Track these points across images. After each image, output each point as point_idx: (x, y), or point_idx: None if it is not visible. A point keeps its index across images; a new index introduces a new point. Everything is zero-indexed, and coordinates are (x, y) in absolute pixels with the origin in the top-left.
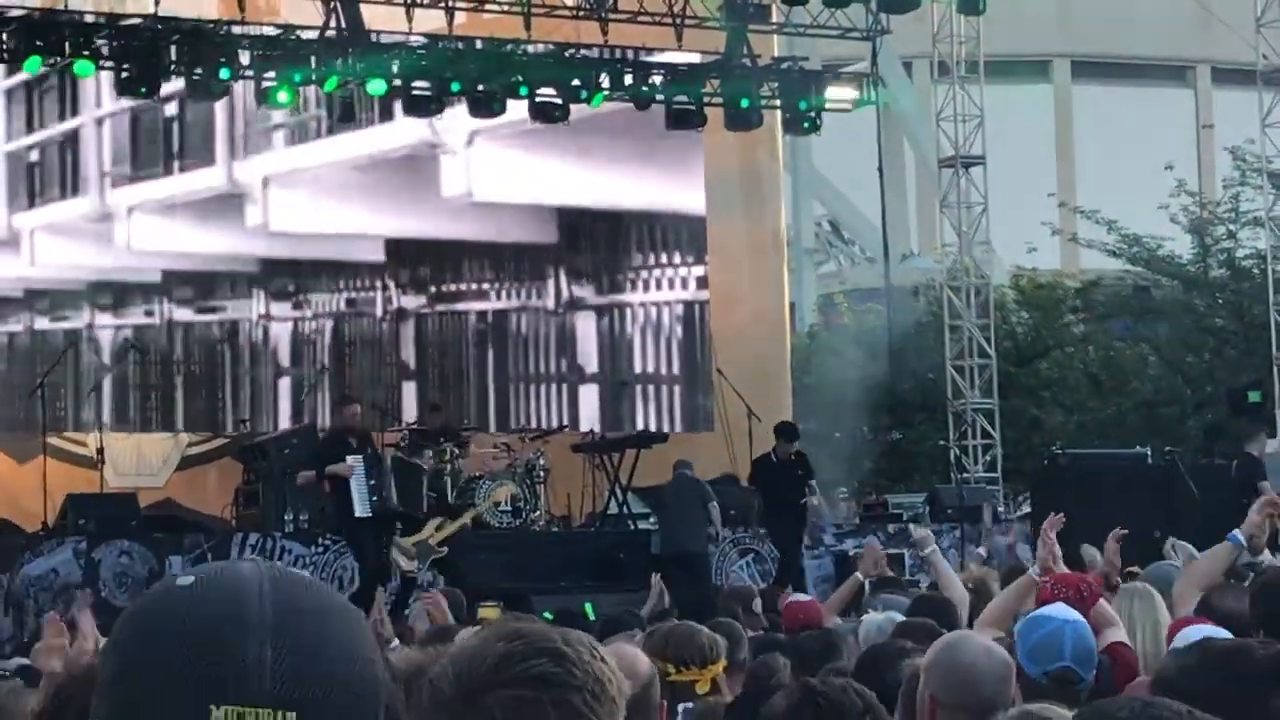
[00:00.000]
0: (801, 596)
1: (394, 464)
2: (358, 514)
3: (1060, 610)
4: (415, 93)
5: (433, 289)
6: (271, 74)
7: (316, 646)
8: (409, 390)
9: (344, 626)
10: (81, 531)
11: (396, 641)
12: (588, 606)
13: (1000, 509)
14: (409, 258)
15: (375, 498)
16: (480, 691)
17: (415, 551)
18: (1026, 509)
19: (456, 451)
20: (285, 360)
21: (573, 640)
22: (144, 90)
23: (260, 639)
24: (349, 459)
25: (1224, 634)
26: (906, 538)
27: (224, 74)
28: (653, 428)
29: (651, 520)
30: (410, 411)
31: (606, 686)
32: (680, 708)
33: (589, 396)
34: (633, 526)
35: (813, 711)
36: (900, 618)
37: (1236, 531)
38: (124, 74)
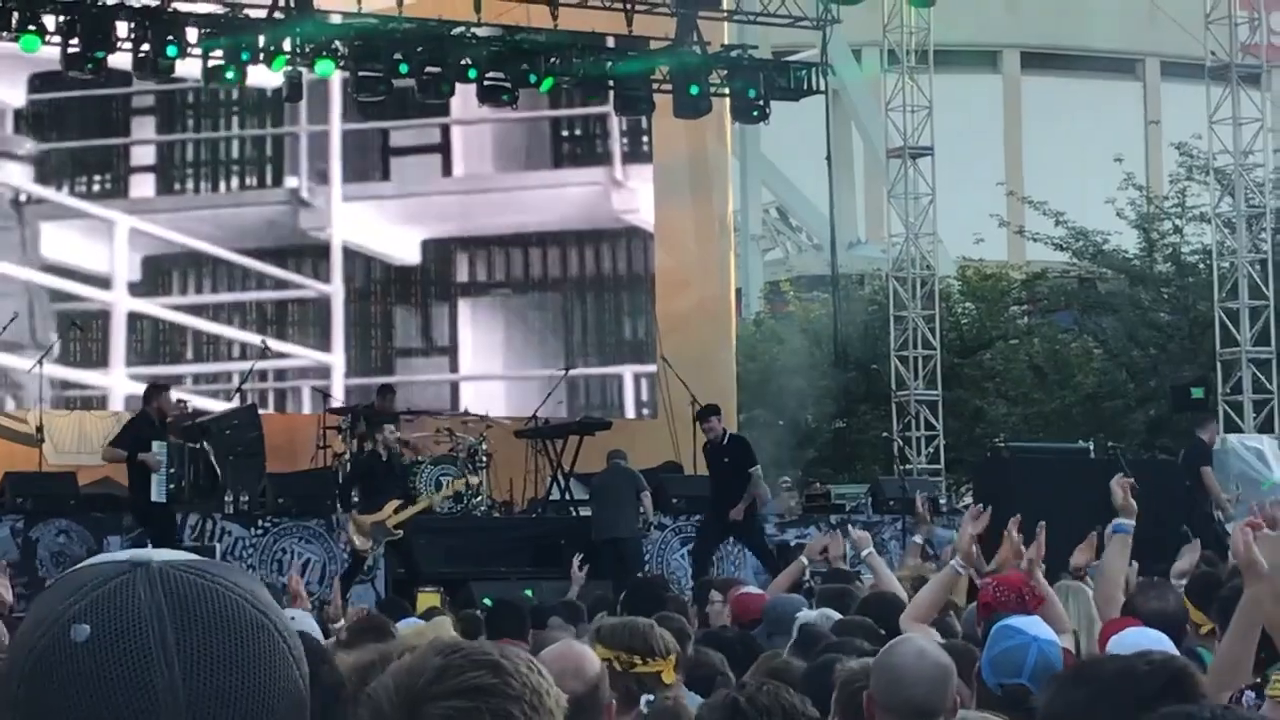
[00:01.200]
0: (751, 588)
1: (191, 452)
2: (153, 498)
3: (1033, 625)
4: (364, 74)
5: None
6: (219, 52)
7: (229, 671)
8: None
9: (257, 644)
10: (19, 510)
11: (342, 621)
12: (528, 593)
13: (942, 500)
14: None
15: (175, 486)
16: (419, 704)
17: (371, 530)
18: (969, 500)
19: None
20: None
21: (509, 654)
22: (91, 66)
23: (170, 681)
24: (155, 446)
25: (1155, 635)
26: (847, 530)
27: (171, 51)
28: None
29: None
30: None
31: (544, 698)
32: (643, 699)
33: (532, 382)
34: (574, 513)
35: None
36: (833, 614)
37: (1121, 520)
38: (70, 49)
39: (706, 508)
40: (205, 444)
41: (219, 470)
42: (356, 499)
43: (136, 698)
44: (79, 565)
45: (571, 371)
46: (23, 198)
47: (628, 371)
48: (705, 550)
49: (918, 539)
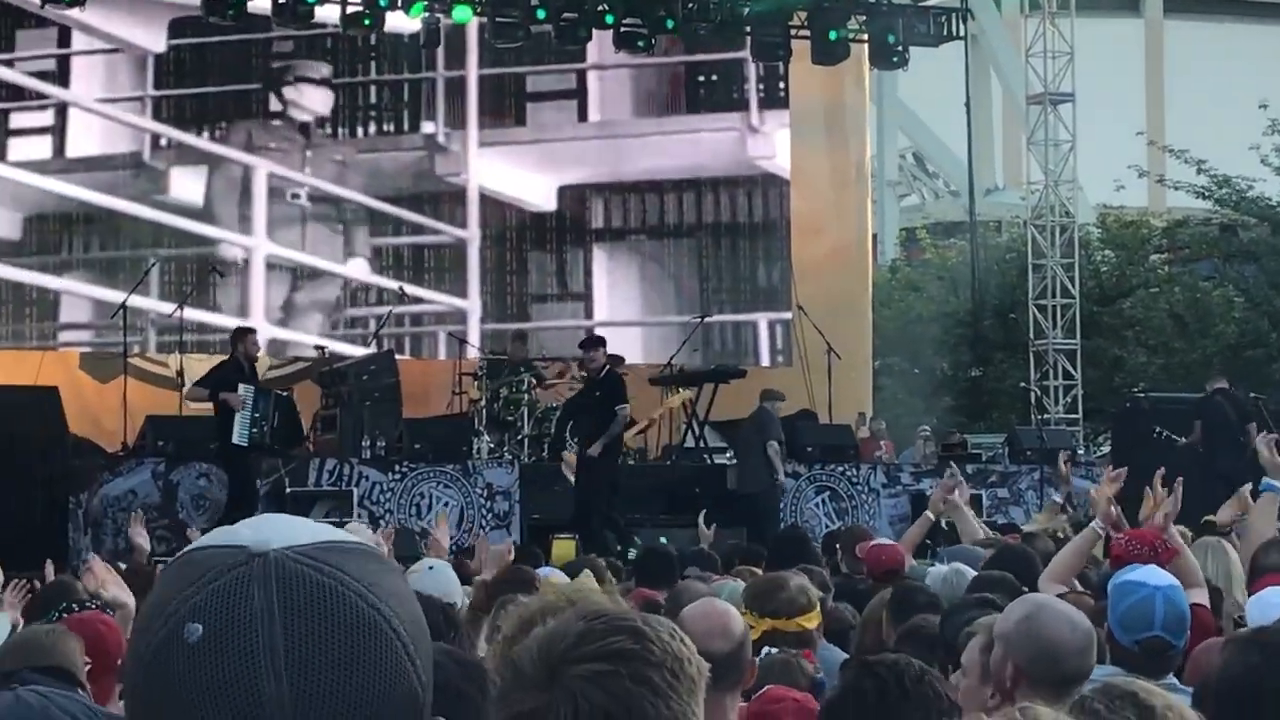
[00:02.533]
0: (883, 539)
1: (276, 399)
2: (235, 441)
3: (1152, 575)
4: (500, 20)
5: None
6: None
7: (337, 676)
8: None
9: (368, 645)
10: (160, 453)
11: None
12: (662, 540)
13: (1080, 451)
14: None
15: (255, 429)
16: (561, 666)
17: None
18: (1107, 449)
19: (534, 382)
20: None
21: (652, 620)
22: (231, 11)
23: (277, 682)
24: (240, 388)
25: None
26: (985, 478)
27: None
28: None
29: (729, 455)
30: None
31: (685, 665)
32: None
33: (667, 329)
34: (709, 461)
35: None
36: (967, 570)
37: (1270, 479)
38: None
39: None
40: (289, 393)
41: (300, 420)
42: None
43: (243, 703)
44: (200, 544)
45: (707, 319)
46: (162, 142)
47: (763, 319)
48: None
49: (1058, 497)
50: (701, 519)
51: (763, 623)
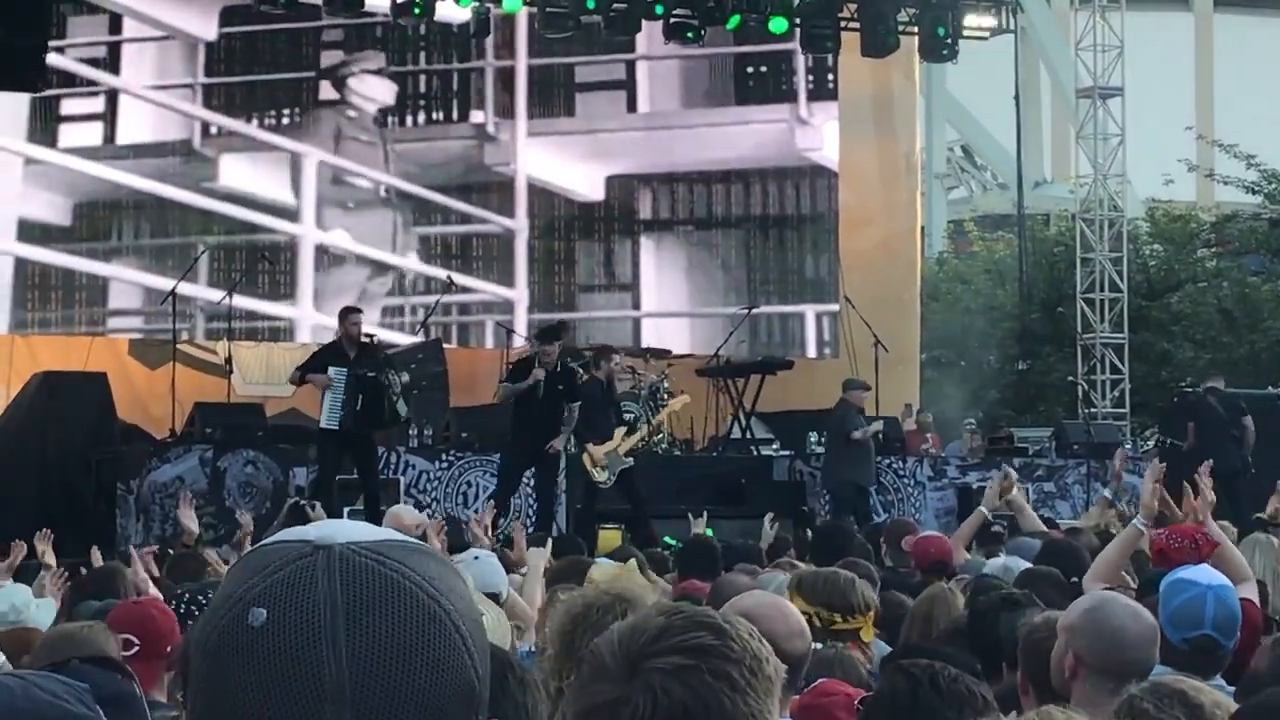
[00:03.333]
0: (930, 532)
1: (359, 380)
2: (322, 425)
3: (1204, 574)
4: (550, 10)
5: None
6: None
7: (396, 664)
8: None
9: (428, 636)
10: (209, 440)
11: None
12: (708, 531)
13: (1128, 446)
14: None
15: (344, 413)
16: (641, 659)
17: (606, 461)
18: (1153, 444)
19: (580, 371)
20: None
21: (731, 618)
22: (283, 1)
23: (337, 665)
24: (331, 370)
25: None
26: (1032, 471)
27: None
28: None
29: (775, 447)
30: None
31: (763, 664)
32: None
33: (714, 320)
34: (755, 452)
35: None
36: (1022, 563)
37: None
38: None
39: (523, 437)
40: (391, 377)
41: (393, 405)
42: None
43: (303, 687)
44: (266, 542)
45: (754, 310)
46: (213, 130)
47: (810, 310)
48: (512, 486)
49: (1106, 493)
50: (767, 520)
51: (817, 610)
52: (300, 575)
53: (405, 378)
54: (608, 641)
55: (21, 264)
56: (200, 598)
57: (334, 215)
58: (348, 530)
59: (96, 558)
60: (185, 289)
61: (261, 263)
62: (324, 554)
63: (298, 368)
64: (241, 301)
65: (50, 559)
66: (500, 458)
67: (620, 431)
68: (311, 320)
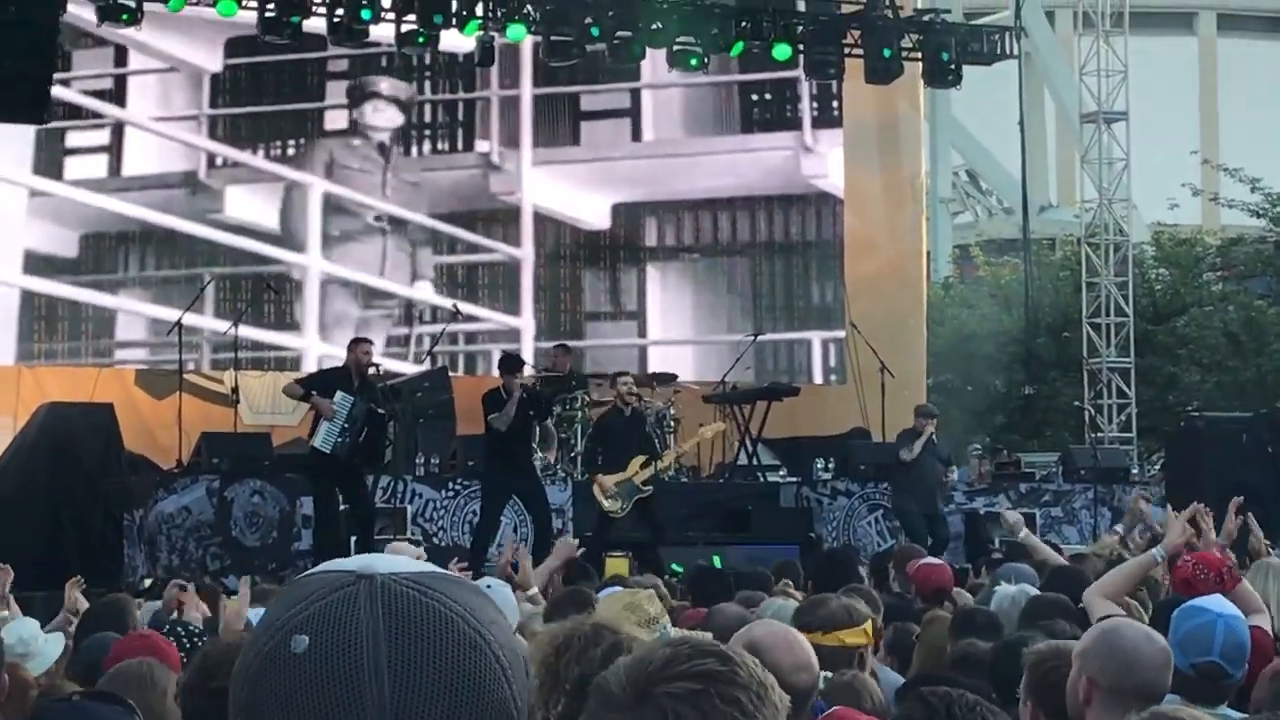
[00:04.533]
0: (932, 559)
1: (369, 414)
2: (315, 444)
3: (1216, 603)
4: (555, 38)
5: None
6: (412, 17)
7: (438, 691)
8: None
9: (469, 664)
10: (215, 470)
11: (536, 589)
12: (715, 559)
13: (1134, 471)
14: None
15: (343, 440)
16: (650, 686)
17: (617, 491)
18: (1158, 469)
19: (586, 398)
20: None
21: (734, 648)
22: (288, 30)
23: (379, 689)
24: (338, 396)
25: None
26: (1039, 497)
27: (365, 15)
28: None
29: (782, 473)
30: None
31: (769, 691)
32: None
33: (720, 347)
34: (762, 479)
35: None
36: (1032, 590)
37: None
38: (268, 14)
39: (496, 465)
40: (395, 412)
41: (392, 443)
42: (601, 460)
43: (345, 713)
44: (310, 571)
45: (760, 337)
46: (218, 161)
47: (816, 337)
48: (497, 511)
49: (1119, 529)
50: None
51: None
52: (343, 604)
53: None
54: (614, 673)
55: (28, 296)
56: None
57: (339, 245)
58: (388, 562)
59: (73, 599)
60: (191, 319)
61: (267, 292)
62: (366, 583)
63: (298, 381)
64: (247, 331)
65: (80, 604)
66: (481, 488)
67: (637, 461)
68: (318, 350)
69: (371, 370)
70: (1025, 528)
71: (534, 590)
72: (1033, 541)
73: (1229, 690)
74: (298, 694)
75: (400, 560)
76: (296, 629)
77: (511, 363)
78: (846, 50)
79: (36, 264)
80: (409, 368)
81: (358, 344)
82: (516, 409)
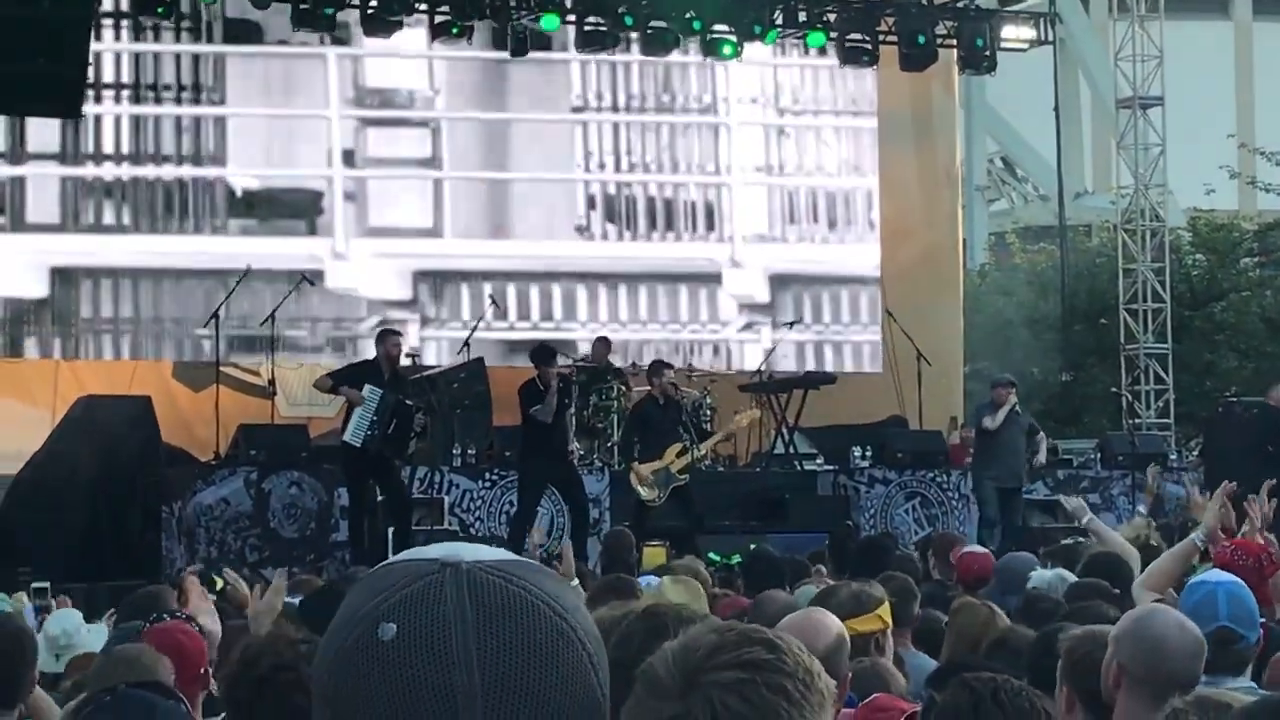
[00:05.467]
0: (976, 547)
1: (397, 406)
2: (345, 438)
3: (1214, 574)
4: (589, 28)
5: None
6: (445, 7)
7: (527, 678)
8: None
9: (556, 651)
10: (253, 461)
11: (576, 582)
12: (753, 547)
13: (1172, 457)
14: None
15: (372, 433)
16: (698, 674)
17: (654, 480)
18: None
19: (624, 389)
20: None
21: (782, 634)
22: (321, 23)
23: (469, 685)
24: (367, 388)
25: None
26: (1077, 483)
27: (398, 5)
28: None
29: (819, 462)
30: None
31: (816, 679)
32: None
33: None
34: (799, 467)
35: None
36: (1070, 576)
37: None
38: (301, 6)
39: (535, 455)
40: (430, 404)
41: (419, 434)
42: (638, 449)
43: (436, 699)
44: (392, 560)
45: (797, 324)
46: None
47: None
48: (535, 501)
49: (1142, 509)
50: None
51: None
52: (429, 591)
53: (423, 420)
54: (662, 659)
55: (64, 289)
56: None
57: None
58: (471, 550)
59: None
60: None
61: (302, 283)
62: (451, 570)
63: (329, 375)
64: (285, 323)
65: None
66: (519, 479)
67: (673, 450)
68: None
69: (405, 362)
70: (1089, 512)
71: (575, 582)
72: (1097, 526)
73: (1245, 655)
74: (387, 682)
75: (482, 548)
76: (383, 617)
77: (544, 353)
78: (881, 37)
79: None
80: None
81: (386, 336)
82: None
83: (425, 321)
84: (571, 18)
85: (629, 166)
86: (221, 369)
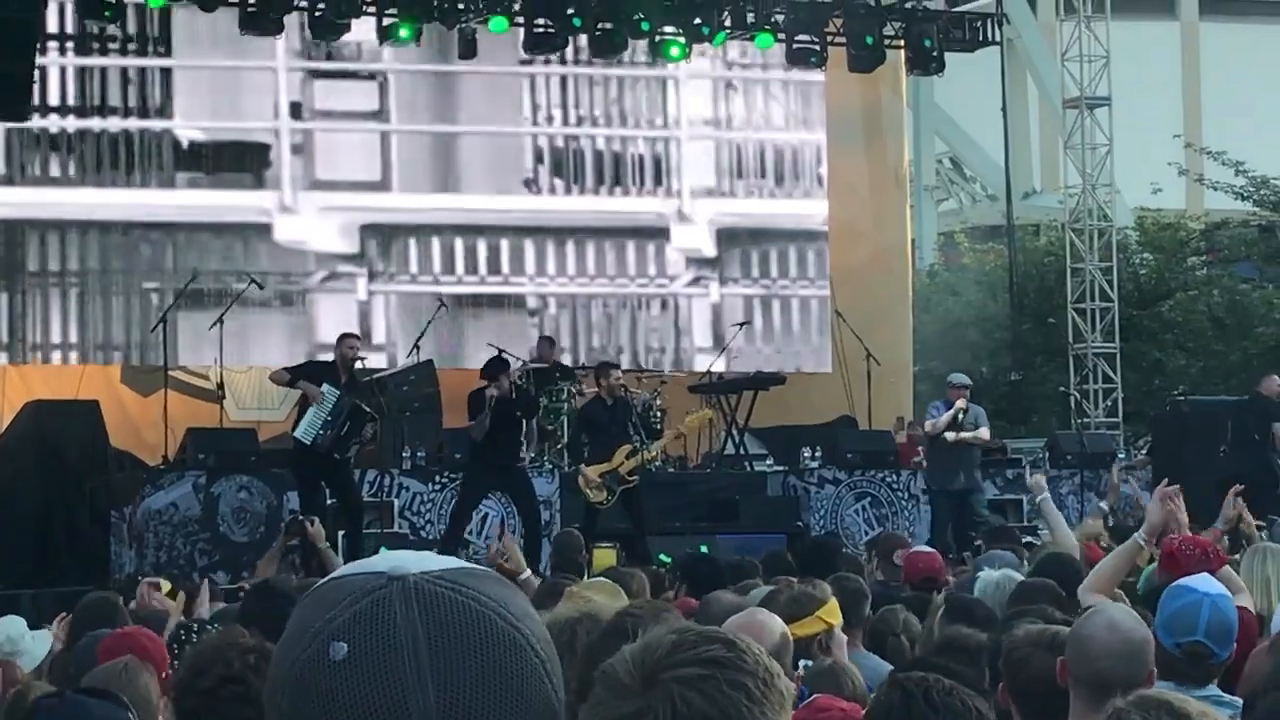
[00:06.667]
0: (922, 547)
1: (353, 410)
2: (297, 434)
3: (1203, 582)
4: (537, 30)
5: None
6: (393, 10)
7: (482, 691)
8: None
9: (509, 661)
10: (201, 466)
11: (528, 572)
12: (703, 548)
13: (1121, 455)
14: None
15: (324, 431)
16: (658, 671)
17: (602, 482)
18: (1145, 454)
19: (574, 390)
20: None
21: (739, 635)
22: (270, 26)
23: (423, 694)
24: (325, 386)
25: None
26: (1024, 484)
27: (346, 8)
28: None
29: (769, 463)
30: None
31: (775, 679)
32: (800, 663)
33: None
34: (749, 468)
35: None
36: (1017, 575)
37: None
38: (249, 10)
39: (475, 462)
40: (380, 406)
41: (360, 443)
42: (587, 450)
43: (391, 716)
44: (337, 574)
45: (745, 324)
46: None
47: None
48: (470, 506)
49: (1104, 505)
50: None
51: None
52: (378, 608)
53: (373, 429)
54: (621, 660)
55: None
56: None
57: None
58: (417, 560)
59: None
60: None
61: (250, 287)
62: (399, 585)
63: (285, 369)
64: (233, 327)
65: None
66: (462, 483)
67: (623, 451)
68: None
69: (357, 365)
70: (1046, 492)
71: (526, 574)
72: (1047, 508)
73: (1215, 671)
74: (341, 702)
75: (429, 556)
76: (334, 635)
77: (492, 367)
78: (829, 39)
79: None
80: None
81: (344, 339)
82: (503, 408)
83: (373, 275)
84: (520, 20)
85: (577, 120)
86: (170, 373)
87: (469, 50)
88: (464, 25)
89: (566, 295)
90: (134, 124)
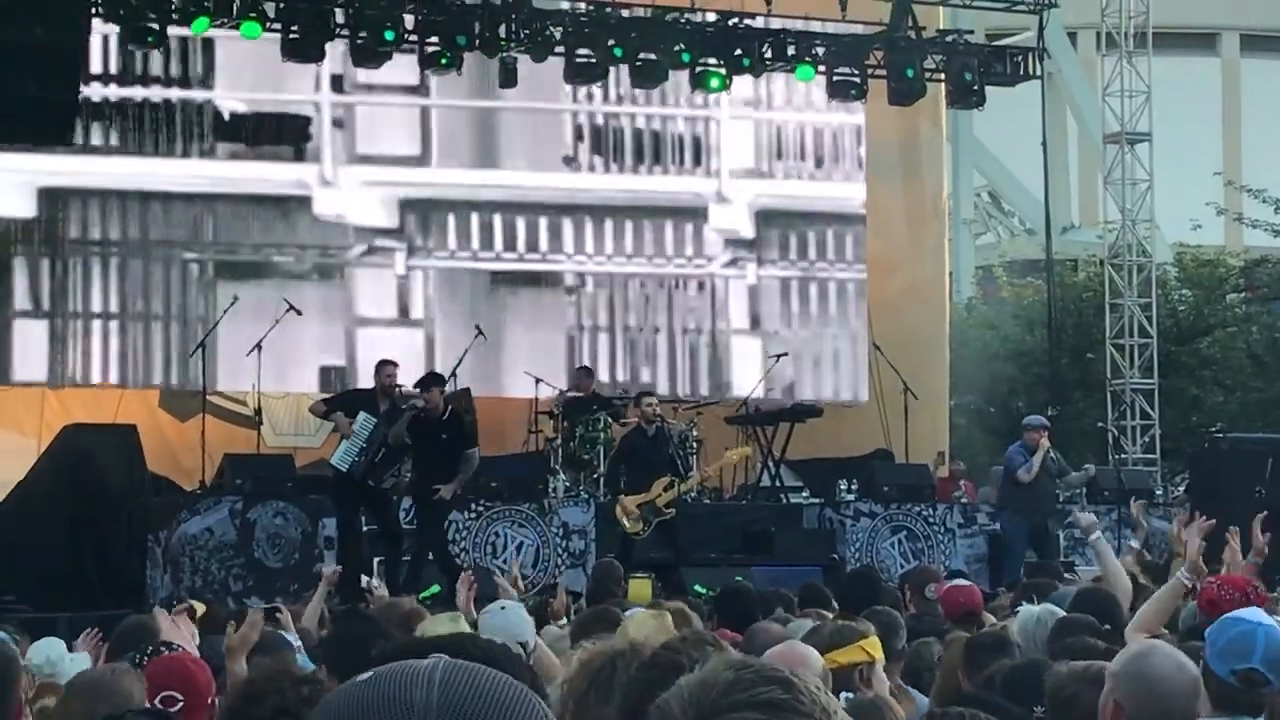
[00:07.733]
0: (961, 581)
1: (386, 439)
2: (333, 461)
3: (1255, 614)
4: (579, 60)
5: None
6: (435, 39)
7: None
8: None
9: (512, 714)
10: (238, 491)
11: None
12: (738, 580)
13: (1158, 492)
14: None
15: (359, 458)
16: (713, 714)
17: (639, 513)
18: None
19: (610, 420)
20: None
21: (798, 672)
22: (312, 53)
23: None
24: (360, 416)
25: None
26: (1063, 518)
27: (388, 36)
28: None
29: (805, 494)
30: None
31: (833, 717)
32: (841, 695)
33: (744, 366)
34: (785, 500)
35: None
36: (1059, 611)
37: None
38: (291, 37)
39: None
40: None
41: (396, 477)
42: (624, 481)
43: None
44: (364, 695)
45: (783, 356)
46: None
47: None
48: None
49: (1134, 543)
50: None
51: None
52: (404, 662)
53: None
54: (677, 697)
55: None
56: None
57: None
58: (442, 677)
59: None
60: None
61: (289, 313)
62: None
63: (323, 400)
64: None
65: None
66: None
67: (660, 484)
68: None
69: (397, 390)
70: (1099, 531)
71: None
72: (1101, 547)
73: (1265, 700)
74: (357, 706)
75: (459, 666)
76: None
77: (425, 381)
78: (869, 71)
79: None
80: None
81: (382, 367)
82: (429, 431)
83: (412, 250)
84: (561, 50)
85: (617, 98)
86: (208, 398)
87: (509, 79)
88: (505, 56)
89: (604, 274)
90: (175, 94)
